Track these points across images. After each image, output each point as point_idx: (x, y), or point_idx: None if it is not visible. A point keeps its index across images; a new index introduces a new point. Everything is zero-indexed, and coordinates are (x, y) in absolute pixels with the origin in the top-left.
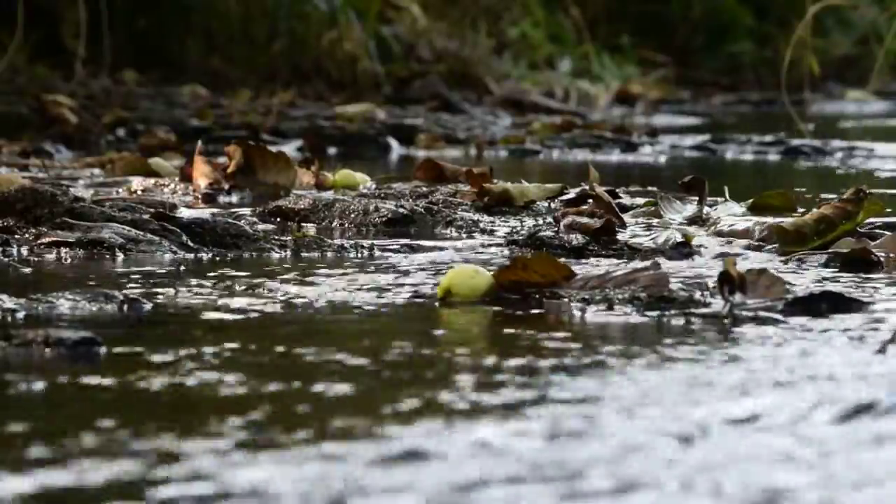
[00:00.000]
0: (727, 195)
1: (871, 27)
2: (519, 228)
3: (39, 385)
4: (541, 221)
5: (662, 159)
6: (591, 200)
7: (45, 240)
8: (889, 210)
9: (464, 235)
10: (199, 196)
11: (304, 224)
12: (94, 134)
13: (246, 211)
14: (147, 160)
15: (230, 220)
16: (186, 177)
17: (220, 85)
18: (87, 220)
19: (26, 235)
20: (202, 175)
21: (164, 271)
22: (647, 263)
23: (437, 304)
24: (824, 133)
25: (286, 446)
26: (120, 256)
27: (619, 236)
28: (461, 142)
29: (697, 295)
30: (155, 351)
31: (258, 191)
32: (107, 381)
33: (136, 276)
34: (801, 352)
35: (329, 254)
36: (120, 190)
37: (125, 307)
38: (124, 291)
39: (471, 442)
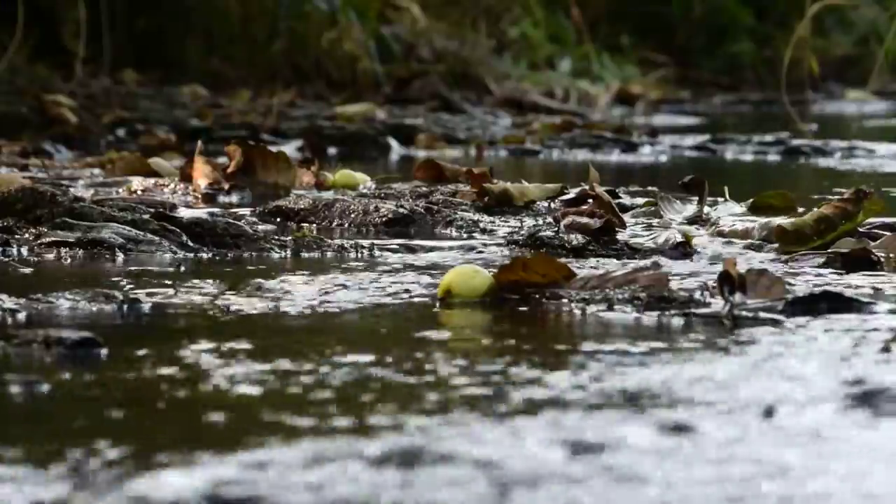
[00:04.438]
0: (727, 195)
1: (871, 27)
2: (519, 228)
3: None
4: (541, 221)
5: (662, 159)
6: (591, 200)
7: (45, 240)
8: (889, 210)
9: (464, 235)
10: (199, 196)
11: (304, 224)
12: (94, 134)
13: (246, 211)
14: (147, 160)
15: (230, 220)
16: (186, 177)
17: (220, 85)
18: (87, 220)
19: (26, 235)
20: (202, 175)
21: (164, 271)
22: (647, 263)
23: (437, 304)
24: (824, 133)
25: (281, 445)
26: (120, 256)
27: (619, 236)
28: (461, 142)
29: (697, 295)
30: (155, 351)
31: (258, 191)
32: (107, 381)
33: (136, 276)
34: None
35: (329, 254)
36: (120, 190)
37: (125, 307)
38: (124, 291)
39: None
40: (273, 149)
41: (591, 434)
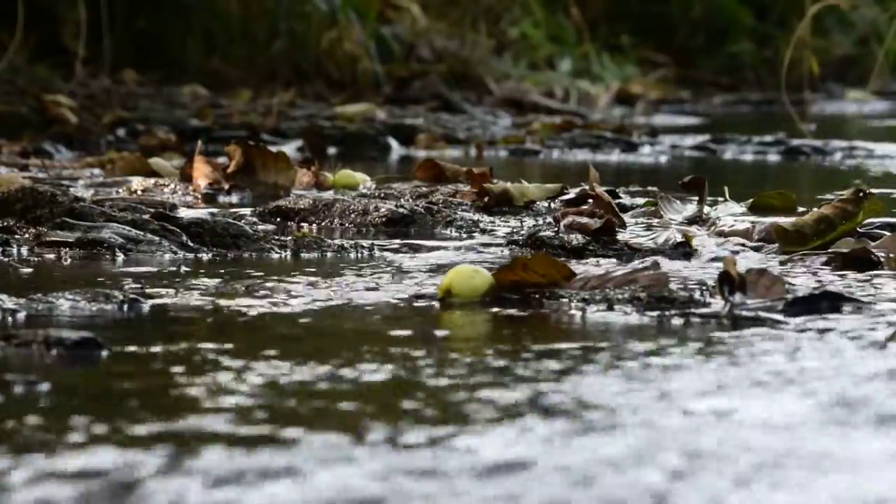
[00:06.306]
0: (727, 195)
1: (871, 27)
2: (519, 228)
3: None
4: (541, 221)
5: (662, 159)
6: (591, 200)
7: (45, 240)
8: (889, 210)
9: (464, 235)
10: (199, 196)
11: (304, 224)
12: (94, 134)
13: (246, 211)
14: (147, 160)
15: (230, 220)
16: (186, 177)
17: (220, 85)
18: (87, 220)
19: (26, 235)
20: (202, 175)
21: (164, 271)
22: (647, 263)
23: (437, 304)
24: (824, 133)
25: (279, 445)
26: (120, 256)
27: (619, 236)
28: (461, 142)
29: (697, 295)
30: (155, 351)
31: (258, 191)
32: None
33: (136, 276)
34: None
35: (329, 254)
36: (120, 190)
37: (125, 307)
38: (124, 291)
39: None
40: (273, 149)
41: None
